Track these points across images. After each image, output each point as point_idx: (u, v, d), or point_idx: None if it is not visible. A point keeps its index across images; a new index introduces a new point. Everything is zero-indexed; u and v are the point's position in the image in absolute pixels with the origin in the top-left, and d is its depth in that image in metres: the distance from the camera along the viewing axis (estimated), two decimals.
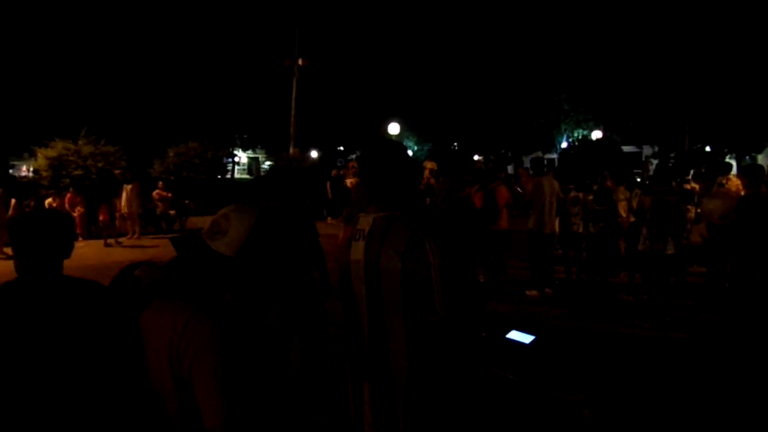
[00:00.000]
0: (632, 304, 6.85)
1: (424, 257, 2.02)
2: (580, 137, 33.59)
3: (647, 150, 35.45)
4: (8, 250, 11.24)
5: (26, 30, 24.66)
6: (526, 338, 2.58)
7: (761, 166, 5.59)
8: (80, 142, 15.11)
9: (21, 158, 31.65)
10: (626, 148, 33.66)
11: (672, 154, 33.45)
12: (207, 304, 1.36)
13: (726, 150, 34.06)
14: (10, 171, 31.88)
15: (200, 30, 28.72)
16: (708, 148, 34.58)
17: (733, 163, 31.17)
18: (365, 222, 2.20)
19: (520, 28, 34.10)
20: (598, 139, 29.67)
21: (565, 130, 35.39)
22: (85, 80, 25.26)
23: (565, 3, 32.93)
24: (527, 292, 7.58)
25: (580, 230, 7.98)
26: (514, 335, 2.61)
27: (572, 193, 8.17)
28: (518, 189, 10.13)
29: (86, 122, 15.72)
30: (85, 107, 22.56)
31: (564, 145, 34.82)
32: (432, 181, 11.61)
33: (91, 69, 25.69)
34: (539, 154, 35.34)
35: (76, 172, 14.50)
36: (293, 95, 22.67)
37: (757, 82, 28.52)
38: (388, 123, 24.67)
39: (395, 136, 24.46)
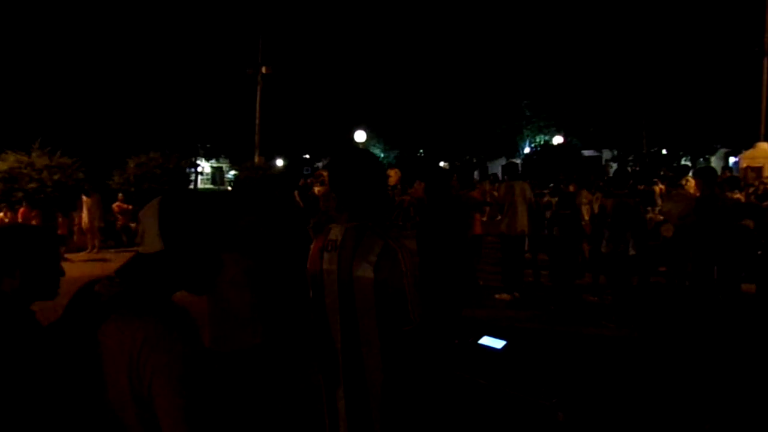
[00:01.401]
0: (597, 305, 7.01)
1: (397, 267, 2.01)
2: (542, 143, 34.32)
3: (607, 154, 36.48)
4: None
5: None
6: (498, 343, 2.59)
7: (714, 169, 5.81)
8: (34, 155, 14.55)
9: None
10: (586, 153, 34.59)
11: (630, 158, 34.51)
12: (168, 316, 1.28)
13: (681, 153, 35.34)
14: None
15: (161, 38, 28.15)
16: (664, 151, 35.80)
17: (689, 165, 32.42)
18: (337, 232, 2.17)
19: (483, 36, 34.72)
20: (559, 144, 30.37)
21: (528, 135, 36.11)
22: (40, 89, 24.39)
23: (525, 11, 33.68)
24: (497, 296, 7.66)
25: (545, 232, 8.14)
26: (486, 341, 2.62)
27: (546, 198, 8.34)
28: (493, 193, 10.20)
29: (40, 133, 15.15)
30: (39, 117, 21.76)
31: (527, 150, 35.52)
32: (399, 188, 11.66)
33: (46, 77, 24.82)
34: (507, 159, 36.00)
35: (30, 186, 13.94)
36: (257, 104, 22.44)
37: (708, 86, 29.75)
38: (355, 130, 24.68)
39: (362, 143, 24.47)
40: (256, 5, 24.69)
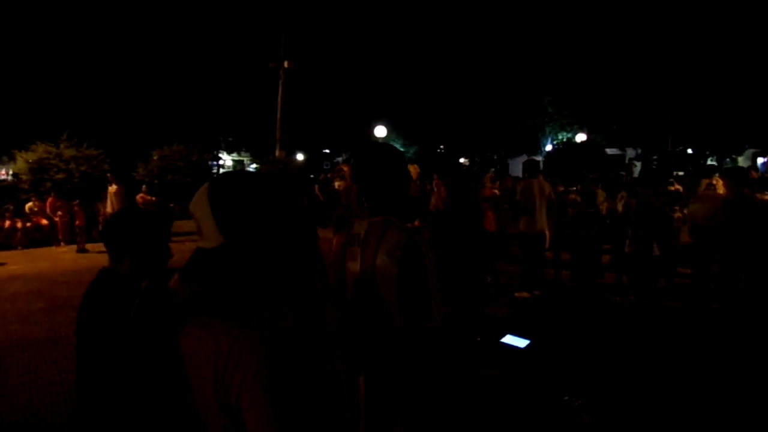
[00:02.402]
0: (620, 305, 6.91)
1: (420, 262, 2.00)
2: (564, 140, 33.88)
3: (630, 152, 35.87)
4: None
5: (5, 32, 24.21)
6: (521, 342, 2.56)
7: (743, 168, 5.65)
8: (62, 146, 14.86)
9: (1, 162, 31.12)
10: (610, 151, 34.03)
11: (655, 157, 33.90)
12: (251, 320, 1.19)
13: (707, 152, 34.60)
14: None
15: (185, 32, 28.47)
16: (690, 151, 35.10)
17: (715, 165, 31.74)
18: (360, 227, 2.17)
19: (506, 32, 34.34)
20: (582, 142, 29.96)
21: (550, 132, 35.67)
22: (68, 83, 24.88)
23: (550, 7, 33.23)
24: (517, 294, 7.61)
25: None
26: (509, 339, 2.59)
27: (572, 196, 8.23)
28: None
29: (68, 125, 15.48)
30: (67, 110, 22.22)
31: (549, 147, 35.11)
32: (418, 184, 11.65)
33: (74, 71, 25.31)
34: (528, 156, 35.64)
35: (58, 176, 14.26)
36: (279, 98, 22.56)
37: (737, 85, 29.04)
38: (375, 125, 24.65)
39: (382, 138, 24.45)
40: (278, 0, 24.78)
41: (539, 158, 34.35)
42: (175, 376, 1.16)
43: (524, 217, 7.66)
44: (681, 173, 23.04)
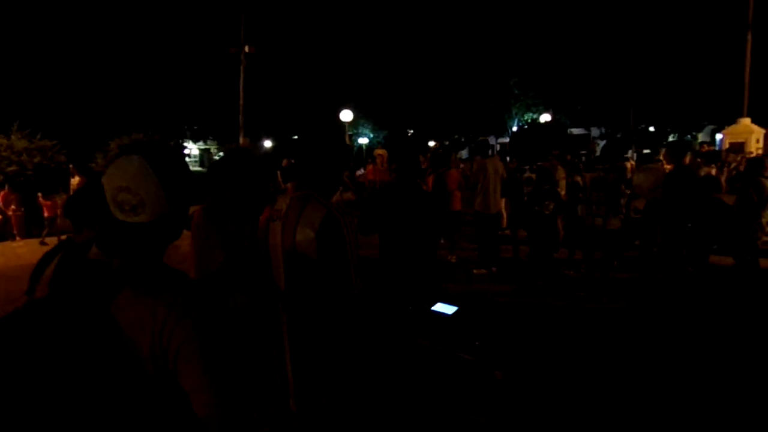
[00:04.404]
0: (574, 278, 7.13)
1: (339, 235, 2.06)
2: (529, 120, 34.36)
3: (595, 131, 36.59)
4: None
5: None
6: (449, 309, 2.66)
7: (686, 142, 5.89)
8: (13, 137, 14.39)
9: None
10: (575, 131, 34.69)
11: (618, 135, 34.66)
12: (181, 289, 1.24)
13: (669, 129, 35.52)
14: None
15: (143, 18, 27.67)
16: (652, 128, 35.96)
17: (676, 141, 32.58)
18: (282, 202, 2.22)
19: (472, 15, 34.43)
20: (546, 122, 30.41)
21: (516, 114, 36.09)
22: (18, 70, 23.98)
23: None
24: (475, 271, 7.76)
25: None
26: (439, 307, 2.69)
27: (527, 174, 8.37)
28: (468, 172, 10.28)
29: (19, 115, 14.96)
30: (18, 99, 21.45)
31: (515, 129, 35.56)
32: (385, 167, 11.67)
33: (24, 58, 24.40)
34: (497, 137, 36.03)
35: (10, 169, 13.82)
36: (241, 84, 22.20)
37: (696, 63, 29.77)
38: (342, 110, 24.53)
39: (348, 123, 24.35)
40: None
41: (506, 139, 34.79)
42: (109, 342, 1.17)
43: (479, 196, 7.80)
44: (647, 151, 23.62)
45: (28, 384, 1.10)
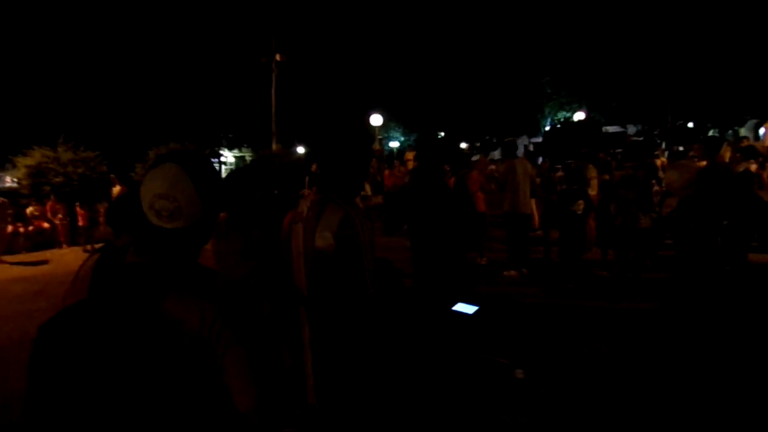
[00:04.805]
0: (606, 279, 7.00)
1: (355, 235, 2.12)
2: (562, 119, 33.79)
3: (631, 129, 35.68)
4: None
5: None
6: (470, 309, 2.68)
7: (718, 138, 5.72)
8: (59, 149, 15.05)
9: (4, 169, 31.45)
10: (610, 128, 33.88)
11: (656, 132, 33.71)
12: (224, 293, 1.33)
13: (709, 125, 34.36)
14: None
15: (178, 30, 28.51)
16: (691, 124, 34.84)
17: (717, 137, 31.46)
18: (304, 205, 2.30)
19: (502, 15, 34.14)
20: (579, 121, 29.84)
21: (549, 113, 35.56)
22: (62, 86, 25.05)
23: None
24: (505, 273, 7.71)
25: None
26: (460, 307, 2.72)
27: (559, 173, 8.28)
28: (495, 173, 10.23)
29: (65, 128, 15.65)
30: (63, 113, 22.43)
31: (547, 128, 35.03)
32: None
33: (68, 74, 25.47)
34: (530, 137, 35.53)
35: (56, 180, 14.46)
36: (273, 92, 22.63)
37: (737, 56, 28.75)
38: (371, 114, 24.68)
39: (378, 127, 24.46)
40: None
41: (539, 139, 34.30)
42: (161, 338, 1.23)
43: (508, 197, 7.75)
44: (682, 148, 22.93)
45: (90, 376, 1.19)
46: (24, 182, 14.98)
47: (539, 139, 34.62)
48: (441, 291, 3.22)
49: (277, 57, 21.72)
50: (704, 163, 5.50)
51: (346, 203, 2.21)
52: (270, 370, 1.39)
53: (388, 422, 2.25)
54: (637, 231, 5.75)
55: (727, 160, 8.54)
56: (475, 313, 2.66)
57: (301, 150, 38.76)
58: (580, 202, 7.59)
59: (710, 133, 33.79)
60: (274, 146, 22.56)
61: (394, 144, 41.16)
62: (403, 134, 41.44)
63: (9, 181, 31.67)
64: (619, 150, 23.53)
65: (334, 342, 2.17)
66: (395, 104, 34.59)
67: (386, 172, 15.92)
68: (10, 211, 13.31)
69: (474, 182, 8.24)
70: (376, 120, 24.05)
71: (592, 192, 7.82)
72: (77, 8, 26.43)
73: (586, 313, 5.59)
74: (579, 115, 31.43)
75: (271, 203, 2.73)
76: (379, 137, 26.00)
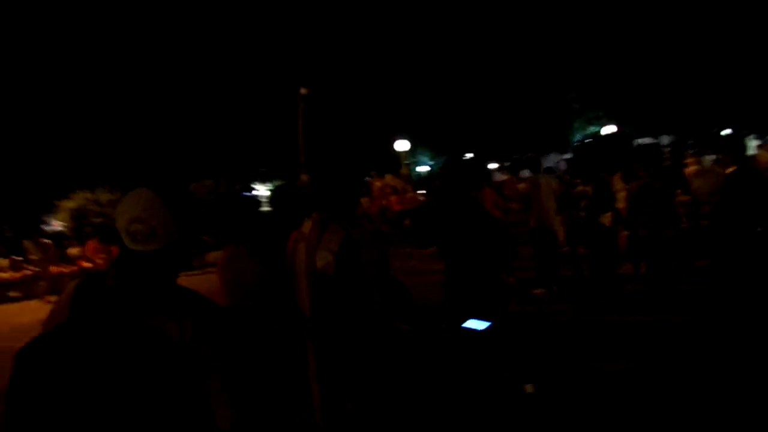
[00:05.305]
0: (640, 293, 6.78)
1: (357, 255, 2.15)
2: (591, 134, 33.28)
3: (665, 140, 34.83)
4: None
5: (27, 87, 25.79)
6: (481, 325, 2.66)
7: (741, 140, 5.54)
8: (98, 191, 15.71)
9: (51, 212, 32.95)
10: (643, 141, 33.18)
11: (690, 141, 32.79)
12: (204, 312, 1.35)
13: (745, 132, 33.24)
14: (43, 226, 32.91)
15: (208, 71, 29.65)
16: (728, 131, 33.77)
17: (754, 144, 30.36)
18: (307, 225, 2.35)
19: (523, 32, 34.22)
20: (608, 134, 29.33)
21: (577, 129, 35.11)
22: (99, 132, 26.33)
23: (562, 3, 32.92)
24: (534, 291, 7.56)
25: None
26: (470, 324, 2.70)
27: (579, 188, 8.17)
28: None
29: (102, 171, 16.36)
30: (100, 157, 23.47)
31: (575, 144, 34.56)
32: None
33: (101, 117, 26.79)
34: (560, 154, 35.09)
35: (96, 220, 15.05)
36: (299, 124, 23.11)
37: None
38: (397, 140, 24.91)
39: (405, 152, 24.65)
40: (291, 31, 25.51)
41: (569, 155, 33.85)
42: (145, 355, 1.27)
43: (534, 213, 7.66)
44: (714, 156, 22.20)
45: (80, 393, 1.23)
46: (66, 224, 15.62)
47: (569, 156, 34.18)
48: (475, 311, 3.19)
49: (302, 90, 22.25)
50: (732, 167, 5.32)
51: (348, 223, 2.25)
52: (258, 390, 1.37)
53: None
54: (662, 241, 5.57)
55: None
56: (486, 329, 2.64)
57: None
58: (609, 213, 7.44)
59: (752, 140, 32.65)
60: (303, 177, 22.93)
61: (423, 169, 41.26)
62: (432, 158, 41.54)
63: (56, 225, 33.18)
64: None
65: (337, 361, 2.18)
66: (422, 129, 34.80)
67: (392, 198, 15.93)
68: (54, 253, 13.95)
69: (487, 201, 8.20)
70: (402, 145, 24.24)
71: (620, 204, 7.66)
72: (110, 48, 27.86)
73: (614, 329, 5.41)
74: (609, 129, 30.91)
75: (277, 228, 2.80)
76: (406, 162, 26.16)
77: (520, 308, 6.71)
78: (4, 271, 14.12)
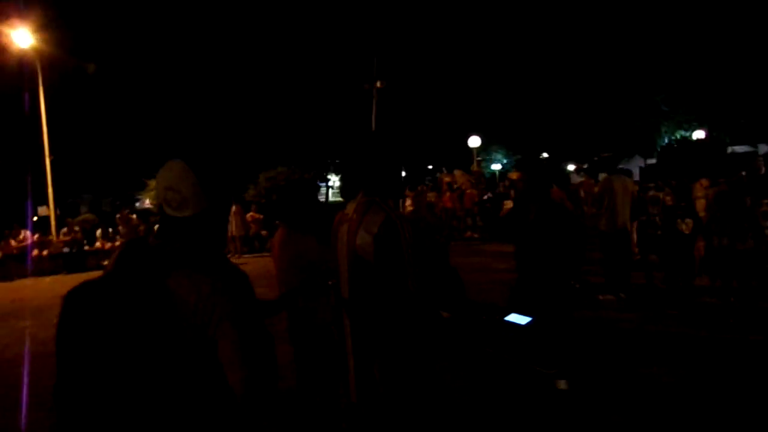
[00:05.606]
0: (716, 307, 6.35)
1: (396, 239, 2.19)
2: (679, 138, 31.23)
3: (763, 148, 32.11)
4: None
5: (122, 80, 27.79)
6: (523, 320, 2.63)
7: None
8: None
9: (143, 191, 35.51)
10: (738, 149, 30.76)
11: None
12: (224, 273, 1.44)
13: None
14: (136, 204, 35.49)
15: (286, 62, 30.70)
16: None
17: None
18: (350, 207, 2.41)
19: (610, 27, 32.64)
20: (699, 140, 27.42)
21: (665, 132, 33.07)
22: (190, 119, 27.98)
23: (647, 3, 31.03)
24: (601, 297, 7.28)
25: (658, 232, 7.53)
26: (513, 318, 2.67)
27: (651, 192, 7.77)
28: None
29: (186, 155, 17.35)
30: (184, 142, 24.98)
31: (663, 147, 32.58)
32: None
33: (192, 109, 28.43)
34: (645, 158, 33.29)
35: None
36: (373, 117, 23.35)
37: None
38: (471, 136, 24.63)
39: (477, 148, 24.33)
40: (370, 24, 25.85)
41: (654, 160, 32.01)
42: (163, 308, 1.38)
43: (605, 216, 7.34)
44: None
45: (103, 339, 1.38)
46: (154, 203, 16.78)
47: (654, 160, 32.34)
48: (540, 314, 3.14)
49: (378, 84, 22.46)
50: None
51: (388, 207, 2.29)
52: (269, 351, 1.42)
53: (427, 425, 2.26)
54: (737, 254, 5.17)
55: None
56: (528, 324, 2.60)
57: (402, 173, 39.41)
58: (689, 220, 6.99)
59: None
60: None
61: (496, 166, 40.53)
62: (506, 156, 40.72)
63: (147, 204, 35.75)
64: (743, 172, 21.21)
65: (374, 342, 2.23)
66: (497, 125, 34.17)
67: (446, 195, 15.73)
68: (141, 228, 15.02)
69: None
70: (474, 141, 23.94)
71: (701, 212, 7.18)
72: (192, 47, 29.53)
73: (676, 340, 5.12)
74: (698, 134, 28.91)
75: (318, 217, 2.89)
76: (478, 158, 25.80)
77: (583, 313, 6.49)
78: (99, 242, 15.45)
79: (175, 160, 1.51)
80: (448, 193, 15.81)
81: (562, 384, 2.10)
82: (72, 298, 1.42)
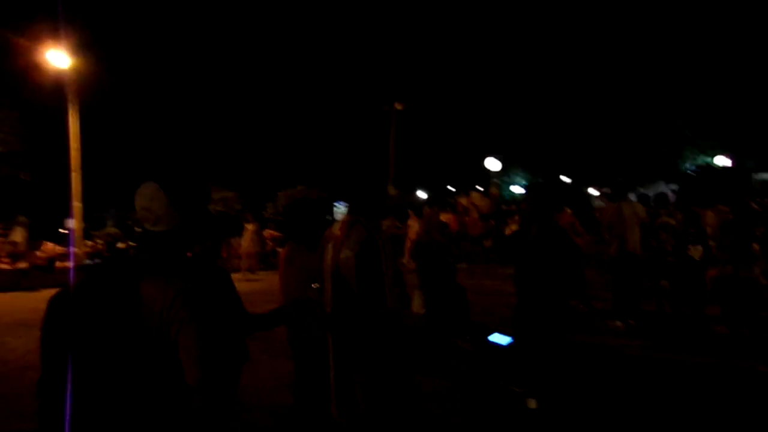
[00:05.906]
0: (723, 336, 6.26)
1: (376, 255, 2.30)
2: (703, 164, 30.73)
3: None
4: None
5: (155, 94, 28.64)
6: (504, 340, 2.70)
7: None
8: (213, 187, 17.19)
9: None
10: (765, 176, 30.15)
11: None
12: (190, 279, 1.57)
13: None
14: None
15: (309, 84, 31.34)
16: None
17: None
18: (336, 226, 2.54)
19: (636, 52, 32.52)
20: (723, 167, 26.95)
21: (688, 158, 32.59)
22: (210, 135, 28.75)
23: (673, 23, 30.86)
24: (609, 323, 7.22)
25: (669, 258, 7.48)
26: (495, 338, 2.74)
27: (663, 218, 7.74)
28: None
29: (208, 172, 17.79)
30: (207, 159, 25.61)
31: (687, 173, 32.07)
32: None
33: (211, 125, 29.25)
34: (667, 183, 32.82)
35: (217, 208, 16.31)
36: (391, 138, 23.61)
37: None
38: (489, 158, 24.65)
39: (497, 171, 24.32)
40: (387, 47, 26.29)
41: (675, 186, 31.55)
42: (133, 309, 1.53)
43: (614, 241, 7.33)
44: None
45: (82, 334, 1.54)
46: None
47: (675, 186, 31.88)
48: (535, 335, 3.20)
49: (397, 106, 22.75)
50: None
51: (371, 226, 2.41)
52: (227, 353, 1.57)
53: None
54: (742, 281, 5.12)
55: None
56: (509, 344, 2.67)
57: (421, 194, 39.57)
58: (699, 247, 6.94)
59: None
60: (390, 190, 23.39)
61: (517, 189, 40.30)
62: (526, 178, 40.52)
63: None
64: (767, 200, 20.77)
65: (353, 357, 2.33)
66: (517, 147, 34.12)
67: (451, 216, 15.61)
68: None
69: (563, 224, 7.94)
70: (492, 164, 23.94)
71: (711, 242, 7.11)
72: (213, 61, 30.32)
73: (679, 368, 5.06)
74: (722, 161, 28.42)
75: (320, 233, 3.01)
76: (495, 180, 25.75)
77: (590, 339, 6.45)
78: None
79: (147, 183, 1.67)
80: (453, 216, 15.71)
81: (532, 403, 2.16)
82: (54, 302, 1.58)
